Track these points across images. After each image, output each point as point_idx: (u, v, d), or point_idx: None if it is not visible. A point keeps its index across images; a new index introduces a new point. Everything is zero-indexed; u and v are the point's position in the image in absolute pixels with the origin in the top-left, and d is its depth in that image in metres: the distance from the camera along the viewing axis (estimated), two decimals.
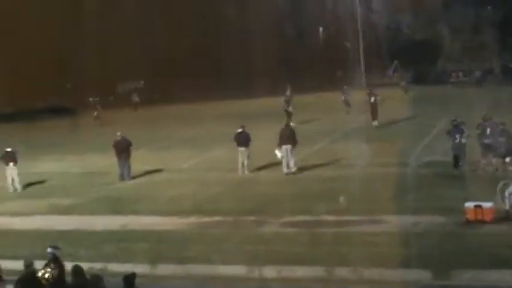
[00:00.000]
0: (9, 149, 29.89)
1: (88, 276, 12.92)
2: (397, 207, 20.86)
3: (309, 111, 48.59)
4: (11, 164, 29.41)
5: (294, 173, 27.68)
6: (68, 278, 13.26)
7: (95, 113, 60.48)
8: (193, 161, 33.37)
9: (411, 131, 36.00)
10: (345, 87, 50.67)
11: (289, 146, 27.92)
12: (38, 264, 13.60)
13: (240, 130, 29.71)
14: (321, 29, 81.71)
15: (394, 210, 20.56)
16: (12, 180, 29.48)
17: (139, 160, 31.41)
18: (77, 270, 12.81)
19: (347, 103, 48.02)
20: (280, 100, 46.82)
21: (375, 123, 39.82)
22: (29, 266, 13.23)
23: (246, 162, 28.87)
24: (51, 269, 13.06)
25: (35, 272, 13.22)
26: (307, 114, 46.08)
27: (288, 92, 57.59)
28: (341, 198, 21.99)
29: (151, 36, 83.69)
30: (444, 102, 46.81)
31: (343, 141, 35.44)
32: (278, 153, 28.11)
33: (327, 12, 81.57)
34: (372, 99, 40.80)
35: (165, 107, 68.70)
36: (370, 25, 77.57)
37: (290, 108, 44.28)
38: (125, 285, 12.24)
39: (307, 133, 35.65)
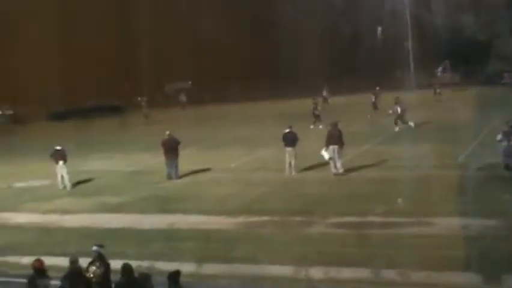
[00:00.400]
0: (59, 147, 30.22)
1: (136, 275, 12.99)
2: (447, 210, 20.56)
3: (353, 112, 48.33)
4: (61, 162, 29.74)
5: (341, 174, 27.49)
6: (114, 276, 13.34)
7: (144, 111, 61.21)
8: (240, 161, 33.37)
9: (461, 132, 35.48)
10: (377, 88, 50.35)
11: (336, 147, 27.73)
12: (86, 262, 13.70)
13: (287, 130, 29.63)
14: (379, 28, 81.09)
15: (443, 213, 20.27)
16: (62, 178, 29.81)
17: (187, 159, 31.50)
18: (126, 268, 12.87)
19: (374, 106, 47.77)
20: (318, 100, 46.82)
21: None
22: (74, 262, 13.36)
23: (293, 162, 28.76)
24: (97, 267, 13.15)
25: (80, 268, 13.34)
26: (351, 115, 45.75)
27: (324, 93, 57.84)
28: (398, 200, 21.81)
29: (201, 37, 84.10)
30: (495, 104, 46.11)
31: (390, 143, 35.16)
32: (325, 154, 27.90)
33: (379, 11, 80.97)
34: (402, 107, 41.00)
35: (213, 107, 68.97)
36: (421, 23, 76.74)
37: (317, 111, 44.61)
38: (170, 282, 12.26)
39: (354, 134, 35.44)
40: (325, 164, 28.23)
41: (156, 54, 79.90)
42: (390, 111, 40.81)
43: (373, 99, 48.44)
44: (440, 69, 75.03)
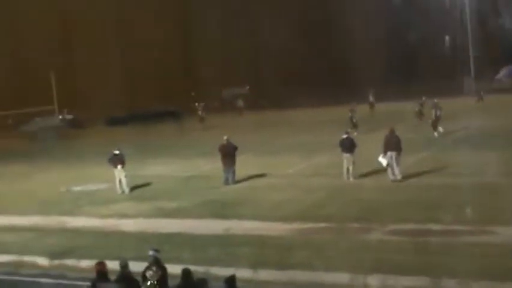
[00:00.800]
0: (117, 152, 30.48)
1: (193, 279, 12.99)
2: (510, 218, 20.09)
3: (400, 118, 47.74)
4: (119, 166, 30.00)
5: (399, 181, 27.13)
6: (171, 281, 13.33)
7: (199, 113, 61.55)
8: (297, 167, 33.22)
9: None
10: (423, 98, 50.00)
11: (394, 153, 27.40)
12: (142, 266, 13.71)
13: (345, 136, 29.42)
14: (447, 37, 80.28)
15: (506, 221, 19.80)
16: (120, 182, 30.06)
17: (243, 165, 31.45)
18: (185, 272, 12.88)
19: (419, 114, 47.47)
20: (354, 106, 46.40)
21: (436, 134, 40.61)
22: (124, 267, 13.39)
23: (350, 168, 28.50)
24: (153, 271, 13.15)
25: (130, 272, 13.36)
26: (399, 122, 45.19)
27: (371, 98, 57.51)
28: (466, 209, 21.43)
29: (260, 43, 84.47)
30: None
31: (449, 150, 34.63)
32: (383, 160, 27.61)
33: (442, 17, 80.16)
34: (438, 112, 41.68)
35: (270, 113, 68.93)
36: (484, 29, 75.71)
37: (354, 119, 44.48)
38: (227, 287, 12.21)
39: (411, 140, 35.04)
40: (383, 170, 27.92)
41: (215, 60, 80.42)
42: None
43: (416, 108, 48.22)
44: (501, 74, 73.74)
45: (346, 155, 28.69)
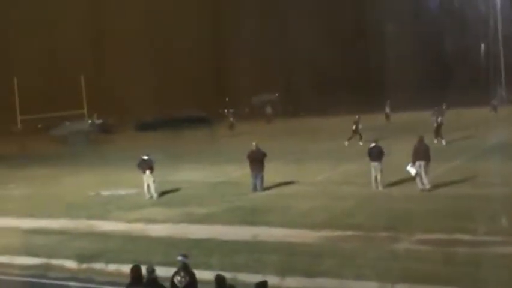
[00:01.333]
0: (146, 157, 30.62)
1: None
2: None
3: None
4: (148, 171, 30.13)
5: (428, 190, 26.98)
6: (200, 286, 13.36)
7: (230, 120, 61.68)
8: (325, 175, 33.15)
9: None
10: (437, 107, 49.70)
11: (423, 162, 27.27)
12: (169, 271, 13.76)
13: (373, 144, 29.36)
14: (482, 45, 79.78)
15: None
16: (148, 187, 30.20)
17: (272, 172, 31.44)
18: (218, 279, 12.90)
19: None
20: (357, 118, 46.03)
21: (443, 142, 40.59)
22: (151, 272, 13.43)
23: (379, 177, 28.39)
24: (181, 277, 13.20)
25: (157, 278, 13.40)
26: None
27: (387, 109, 57.55)
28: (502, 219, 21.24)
29: (291, 50, 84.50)
30: None
31: (481, 160, 34.30)
32: (411, 170, 27.48)
33: (475, 27, 79.65)
34: (439, 119, 42.11)
35: (299, 120, 68.89)
36: None
37: (359, 127, 44.37)
38: None
39: (441, 150, 34.85)
40: (411, 179, 27.78)
41: (246, 67, 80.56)
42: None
43: (434, 117, 48.18)
44: None
45: (374, 164, 28.59)
